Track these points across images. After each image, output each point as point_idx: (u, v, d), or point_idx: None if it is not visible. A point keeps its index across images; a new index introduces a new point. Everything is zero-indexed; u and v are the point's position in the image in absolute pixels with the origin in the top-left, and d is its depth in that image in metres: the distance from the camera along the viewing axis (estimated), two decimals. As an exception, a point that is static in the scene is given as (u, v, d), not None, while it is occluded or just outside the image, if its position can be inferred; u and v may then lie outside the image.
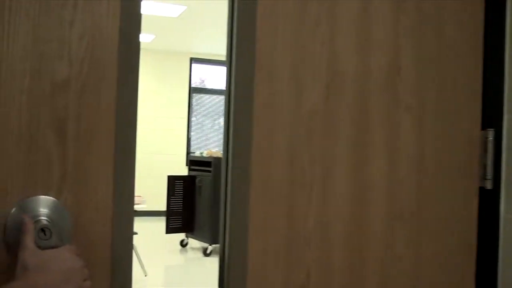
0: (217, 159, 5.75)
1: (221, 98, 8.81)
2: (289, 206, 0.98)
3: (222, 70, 8.82)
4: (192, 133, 8.63)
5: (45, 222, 0.74)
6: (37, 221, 0.74)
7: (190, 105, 8.58)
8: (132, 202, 0.91)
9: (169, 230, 5.69)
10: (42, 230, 0.73)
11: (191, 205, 5.86)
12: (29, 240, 0.70)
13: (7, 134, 0.77)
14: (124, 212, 0.89)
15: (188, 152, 8.45)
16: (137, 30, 0.88)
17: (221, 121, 8.87)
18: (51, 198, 0.80)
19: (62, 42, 0.82)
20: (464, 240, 1.11)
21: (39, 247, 0.71)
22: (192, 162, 6.24)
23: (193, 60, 8.56)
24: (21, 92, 0.79)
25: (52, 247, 0.72)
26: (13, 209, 0.76)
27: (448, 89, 1.10)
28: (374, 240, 1.03)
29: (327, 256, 1.00)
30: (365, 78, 1.03)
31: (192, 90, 8.60)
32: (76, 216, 0.83)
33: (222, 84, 8.84)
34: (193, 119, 8.65)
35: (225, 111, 1.04)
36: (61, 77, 0.82)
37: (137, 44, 0.88)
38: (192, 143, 8.60)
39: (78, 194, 0.84)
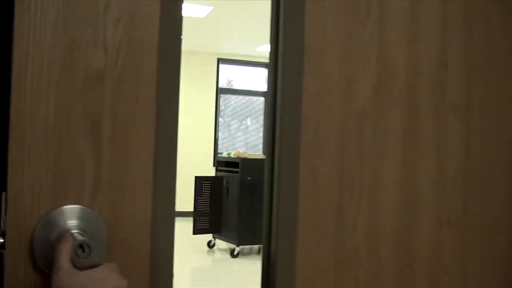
0: (245, 159, 5.70)
1: (248, 99, 8.73)
2: (337, 214, 0.88)
3: (250, 71, 8.74)
4: (219, 134, 8.57)
5: (83, 237, 0.62)
6: (72, 236, 0.63)
7: (218, 105, 8.52)
8: (173, 210, 0.80)
9: (196, 231, 5.64)
10: (80, 246, 0.61)
11: (218, 206, 5.81)
12: (65, 259, 0.59)
13: (34, 134, 0.66)
14: (165, 222, 0.78)
15: (215, 153, 8.40)
16: (179, 13, 0.76)
17: (249, 121, 8.78)
18: (85, 207, 0.69)
19: (96, 27, 0.71)
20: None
21: (76, 266, 0.60)
22: (220, 162, 6.22)
23: (220, 60, 8.50)
24: (49, 86, 0.68)
25: (92, 266, 0.61)
26: (40, 222, 0.66)
27: (495, 86, 1.00)
28: (422, 250, 0.94)
29: (376, 269, 0.90)
30: (414, 72, 0.93)
31: (220, 91, 8.54)
32: (112, 227, 0.72)
33: (249, 85, 8.75)
34: (220, 119, 8.59)
35: (268, 110, 0.93)
36: (95, 67, 0.71)
37: (179, 29, 0.77)
38: (219, 143, 8.54)
39: (114, 202, 0.73)
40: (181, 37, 0.79)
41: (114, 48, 0.72)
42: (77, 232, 0.65)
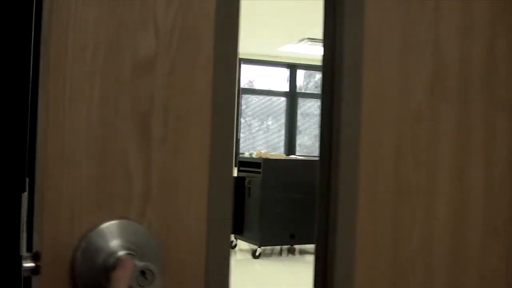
0: (266, 160, 5.70)
1: (269, 99, 8.61)
2: (394, 223, 0.80)
3: (271, 71, 8.62)
4: (241, 134, 8.48)
5: (144, 262, 0.50)
6: (131, 261, 0.51)
7: (239, 106, 8.43)
8: (229, 222, 0.68)
9: (219, 232, 5.56)
10: (142, 272, 0.49)
11: (240, 206, 5.76)
12: None
13: (75, 134, 0.54)
14: (221, 237, 0.66)
15: (237, 153, 8.31)
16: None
17: (270, 121, 8.66)
18: (134, 223, 0.57)
19: (146, 5, 0.59)
20: None
21: None
22: (241, 163, 6.19)
23: (242, 60, 8.41)
24: (93, 75, 0.56)
25: None
26: (83, 241, 0.54)
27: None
28: (472, 257, 0.86)
29: (430, 282, 0.82)
30: (466, 67, 0.84)
31: (241, 91, 8.45)
32: (164, 244, 0.60)
33: (271, 85, 8.64)
34: (241, 119, 8.49)
35: (324, 109, 0.83)
36: (145, 53, 0.59)
37: (237, 7, 0.65)
38: (241, 144, 8.45)
39: (166, 215, 0.61)
40: (239, 16, 0.67)
41: (166, 30, 0.60)
42: (130, 254, 0.53)
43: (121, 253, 0.53)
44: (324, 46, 0.81)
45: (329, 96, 0.81)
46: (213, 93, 0.64)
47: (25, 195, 1.12)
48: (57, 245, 0.53)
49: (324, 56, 0.82)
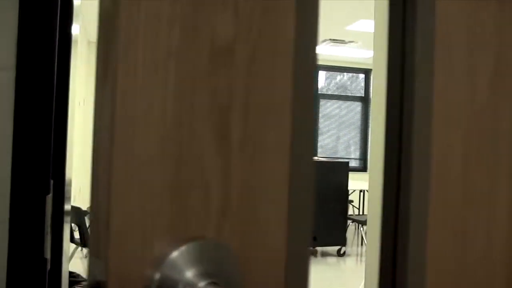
0: None
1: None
2: (461, 229, 0.73)
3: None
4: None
5: None
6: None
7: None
8: (309, 238, 0.58)
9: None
10: None
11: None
12: None
13: (144, 138, 0.43)
14: (300, 253, 0.56)
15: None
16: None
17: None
18: (214, 244, 0.46)
19: (223, -22, 0.49)
20: None
21: None
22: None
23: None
24: (166, 63, 0.45)
25: None
26: (159, 272, 0.43)
27: None
28: None
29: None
30: None
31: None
32: (244, 266, 0.50)
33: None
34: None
35: (390, 110, 0.76)
36: (224, 36, 0.48)
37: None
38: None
39: (245, 233, 0.50)
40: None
41: (246, 10, 0.50)
42: (214, 283, 0.42)
43: (202, 284, 0.43)
44: (390, 46, 0.75)
45: (397, 99, 0.73)
46: (294, 86, 0.53)
47: (49, 197, 1.00)
48: (125, 275, 0.42)
49: (390, 56, 0.75)
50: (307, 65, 0.55)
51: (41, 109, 0.99)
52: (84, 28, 7.81)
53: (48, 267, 1.05)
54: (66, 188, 1.18)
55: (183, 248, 0.44)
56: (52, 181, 1.05)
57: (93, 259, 0.43)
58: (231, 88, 0.49)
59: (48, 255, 1.06)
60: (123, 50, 0.41)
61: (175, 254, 0.43)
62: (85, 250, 5.72)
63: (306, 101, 0.55)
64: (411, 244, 0.71)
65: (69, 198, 1.24)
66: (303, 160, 0.55)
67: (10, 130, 0.95)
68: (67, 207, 1.21)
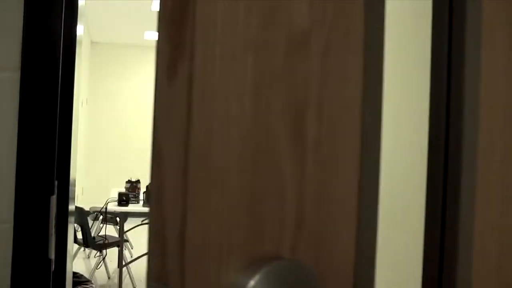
0: None
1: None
2: (501, 229, 0.68)
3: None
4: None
5: None
6: None
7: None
8: (375, 250, 0.53)
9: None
10: None
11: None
12: None
13: (223, 139, 0.37)
14: (367, 270, 0.51)
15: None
16: None
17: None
18: (294, 263, 0.40)
19: (296, -41, 0.43)
20: None
21: None
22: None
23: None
24: (244, 54, 0.38)
25: None
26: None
27: None
28: None
29: None
30: None
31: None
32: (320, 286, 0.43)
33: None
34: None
35: (435, 109, 0.71)
36: (301, 25, 0.42)
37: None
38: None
39: (318, 247, 0.44)
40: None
41: (319, -4, 0.44)
42: None
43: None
44: (433, 37, 0.70)
45: (442, 100, 0.68)
46: (364, 83, 0.48)
47: (54, 198, 0.95)
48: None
49: (433, 47, 0.70)
50: (376, 62, 0.49)
51: (45, 110, 0.93)
52: (87, 28, 7.57)
53: (53, 267, 1.01)
54: (70, 188, 1.12)
55: (264, 270, 0.37)
56: (56, 182, 1.00)
57: (158, 286, 0.37)
58: (307, 82, 0.43)
59: (52, 255, 1.02)
60: (201, 43, 0.35)
61: (256, 278, 0.37)
62: (87, 251, 5.53)
63: (376, 101, 0.50)
64: (460, 241, 0.66)
65: (73, 198, 1.18)
66: (372, 165, 0.50)
67: (15, 131, 0.89)
68: (71, 207, 1.15)
